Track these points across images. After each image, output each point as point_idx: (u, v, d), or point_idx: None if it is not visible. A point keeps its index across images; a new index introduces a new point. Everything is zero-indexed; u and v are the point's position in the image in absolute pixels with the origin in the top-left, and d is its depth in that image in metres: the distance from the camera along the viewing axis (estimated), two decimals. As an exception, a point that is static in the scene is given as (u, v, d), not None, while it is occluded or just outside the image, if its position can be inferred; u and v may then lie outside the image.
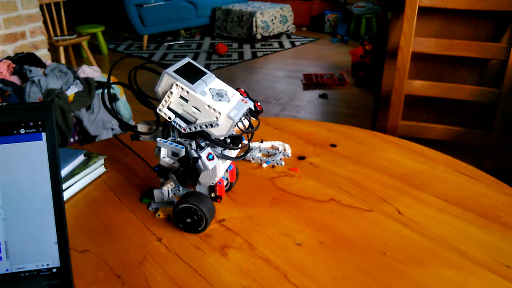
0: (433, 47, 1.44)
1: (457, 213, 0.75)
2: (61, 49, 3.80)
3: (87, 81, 2.50)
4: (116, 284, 0.60)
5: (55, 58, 3.53)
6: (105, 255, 0.65)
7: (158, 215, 0.73)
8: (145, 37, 5.21)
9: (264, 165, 0.90)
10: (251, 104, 0.72)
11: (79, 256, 0.65)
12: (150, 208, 0.75)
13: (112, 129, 2.63)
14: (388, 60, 1.61)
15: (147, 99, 0.71)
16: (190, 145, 0.68)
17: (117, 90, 2.66)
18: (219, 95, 0.68)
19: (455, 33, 1.52)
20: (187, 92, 0.65)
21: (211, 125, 0.66)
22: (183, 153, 0.66)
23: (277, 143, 0.97)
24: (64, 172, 0.81)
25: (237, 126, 0.68)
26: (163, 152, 0.68)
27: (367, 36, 4.09)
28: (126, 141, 0.99)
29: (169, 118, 0.67)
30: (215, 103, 0.66)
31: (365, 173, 0.87)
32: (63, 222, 0.55)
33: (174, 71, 0.66)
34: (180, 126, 0.67)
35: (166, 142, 0.68)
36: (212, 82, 0.70)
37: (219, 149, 0.70)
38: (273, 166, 0.90)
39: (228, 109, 0.66)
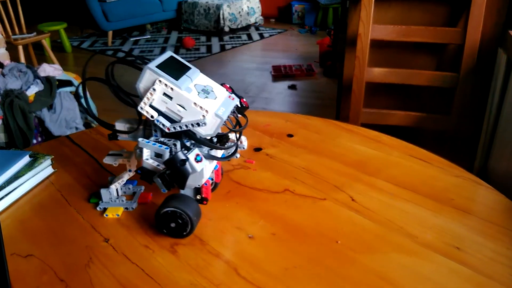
0: (391, 34, 1.45)
1: (409, 197, 0.75)
2: (20, 48, 3.66)
3: (47, 80, 2.41)
4: (58, 288, 0.57)
5: (15, 57, 3.40)
6: (49, 259, 0.62)
7: (106, 215, 0.71)
8: (110, 33, 5.09)
9: (220, 158, 0.88)
10: (237, 101, 0.68)
11: (22, 261, 0.62)
12: (98, 208, 0.73)
13: (76, 128, 2.56)
14: (348, 48, 1.61)
15: (127, 96, 0.66)
16: (175, 145, 0.63)
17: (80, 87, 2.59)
18: (205, 92, 0.63)
19: (412, 19, 1.53)
20: (171, 89, 0.61)
21: (198, 124, 0.61)
22: (167, 154, 0.62)
23: (233, 136, 0.95)
24: (7, 174, 0.77)
25: (225, 124, 0.63)
26: (146, 153, 0.63)
27: (333, 26, 4.11)
28: (77, 139, 0.96)
29: (152, 116, 0.62)
30: (201, 100, 0.61)
31: (320, 162, 0.87)
32: (-5, 228, 0.52)
33: (156, 66, 0.61)
34: (163, 125, 0.62)
35: (148, 142, 0.63)
36: (197, 78, 0.65)
37: (205, 149, 0.66)
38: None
39: (216, 107, 0.62)
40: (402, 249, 0.64)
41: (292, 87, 3.59)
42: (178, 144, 0.63)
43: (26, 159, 0.81)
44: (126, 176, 0.72)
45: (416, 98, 1.66)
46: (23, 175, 0.78)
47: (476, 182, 0.80)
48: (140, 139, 0.64)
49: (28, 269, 0.61)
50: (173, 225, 0.65)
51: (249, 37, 5.36)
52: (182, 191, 0.68)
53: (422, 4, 1.54)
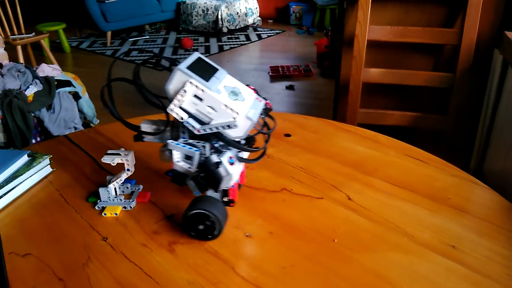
0: (388, 34, 1.46)
1: (406, 196, 0.76)
2: (19, 48, 3.66)
3: (46, 80, 2.41)
4: (57, 287, 0.57)
5: (13, 57, 3.40)
6: (47, 258, 0.63)
7: (104, 214, 0.71)
8: (109, 33, 5.08)
9: (217, 158, 0.89)
10: (263, 103, 0.67)
11: (20, 260, 0.63)
12: (96, 207, 0.73)
13: (75, 128, 2.56)
14: (345, 49, 1.61)
15: (156, 97, 0.64)
16: (204, 147, 0.63)
17: (79, 88, 2.59)
18: (234, 94, 0.63)
19: (409, 20, 1.54)
20: (202, 90, 0.60)
21: (229, 126, 0.61)
22: (197, 156, 0.61)
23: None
24: (6, 173, 0.77)
25: (254, 126, 0.63)
26: (177, 155, 0.63)
27: (331, 27, 4.11)
28: (76, 139, 0.96)
29: (182, 118, 0.62)
30: (232, 102, 0.61)
31: (317, 161, 0.87)
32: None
33: (186, 68, 0.61)
34: (193, 127, 0.62)
35: (178, 144, 0.63)
36: (225, 79, 0.64)
37: (234, 151, 0.65)
38: (226, 159, 0.89)
39: (246, 109, 0.62)
40: (399, 248, 0.64)
41: (290, 87, 3.60)
42: (207, 146, 0.63)
43: (24, 158, 0.81)
44: (124, 175, 0.72)
45: (413, 98, 1.67)
46: (22, 174, 0.78)
47: (473, 181, 0.80)
48: (169, 141, 0.63)
49: (26, 268, 0.61)
50: (201, 227, 0.64)
51: (247, 37, 5.36)
52: (208, 193, 0.67)
53: (418, 5, 1.54)
